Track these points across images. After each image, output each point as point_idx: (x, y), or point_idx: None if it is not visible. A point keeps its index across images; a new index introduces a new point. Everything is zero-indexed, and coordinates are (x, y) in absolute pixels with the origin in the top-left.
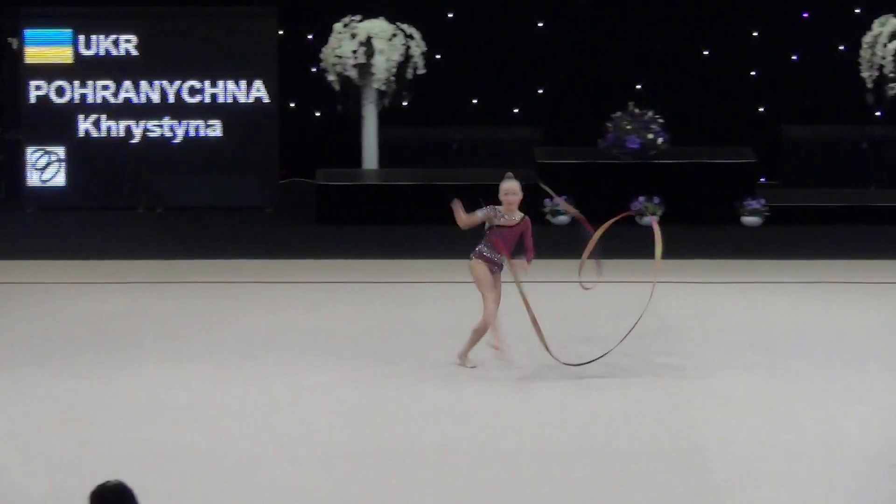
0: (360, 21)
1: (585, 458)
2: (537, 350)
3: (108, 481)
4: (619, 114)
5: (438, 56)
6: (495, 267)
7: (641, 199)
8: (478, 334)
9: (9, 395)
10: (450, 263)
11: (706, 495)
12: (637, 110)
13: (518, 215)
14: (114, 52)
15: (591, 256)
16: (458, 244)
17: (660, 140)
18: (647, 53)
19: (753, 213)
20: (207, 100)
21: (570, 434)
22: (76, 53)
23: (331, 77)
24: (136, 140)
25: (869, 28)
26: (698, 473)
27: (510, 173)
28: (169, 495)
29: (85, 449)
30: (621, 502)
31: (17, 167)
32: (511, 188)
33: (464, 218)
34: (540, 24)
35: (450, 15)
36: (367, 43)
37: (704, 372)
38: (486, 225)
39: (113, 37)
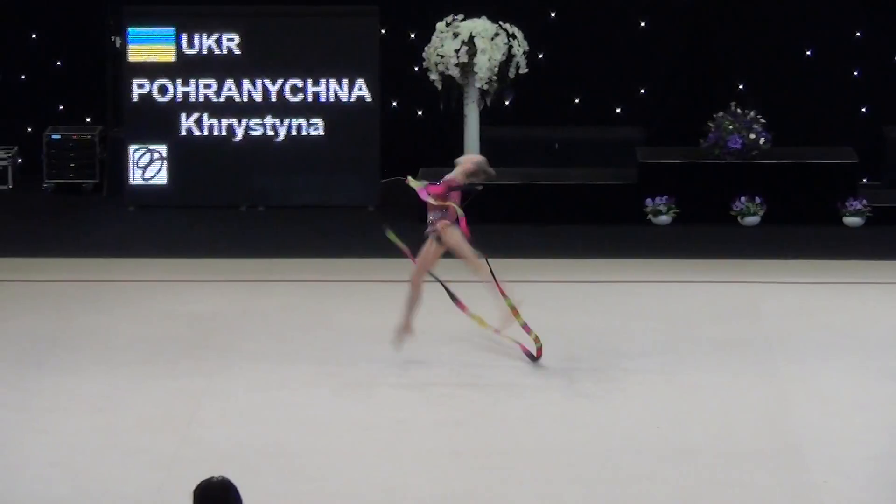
0: (463, 20)
1: (682, 458)
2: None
3: (212, 477)
4: (721, 114)
5: (541, 55)
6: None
7: (743, 199)
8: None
9: (111, 394)
10: (552, 263)
11: (803, 496)
12: (739, 110)
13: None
14: (216, 51)
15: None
16: (558, 244)
17: (762, 140)
18: (749, 53)
19: (855, 213)
20: (310, 98)
21: (667, 434)
22: (179, 52)
23: (433, 76)
24: (238, 138)
25: None
26: (795, 474)
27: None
28: (269, 493)
29: (186, 447)
30: (717, 502)
31: (120, 165)
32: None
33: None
34: (643, 24)
35: (552, 14)
36: (470, 42)
37: (805, 372)
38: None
39: (216, 35)
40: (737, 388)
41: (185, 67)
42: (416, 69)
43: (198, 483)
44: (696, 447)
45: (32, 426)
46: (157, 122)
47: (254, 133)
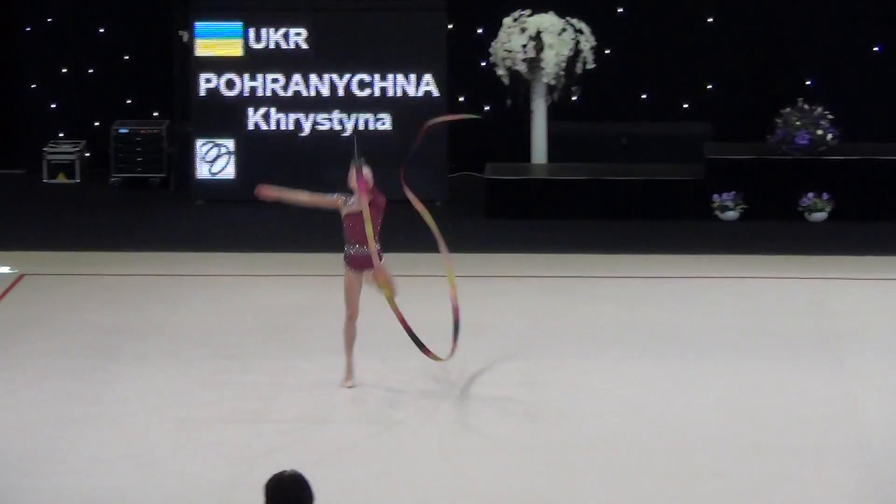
0: (530, 16)
1: (754, 454)
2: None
3: (284, 471)
4: (788, 109)
5: (608, 51)
6: (361, 263)
7: (810, 195)
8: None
9: (182, 388)
10: (619, 258)
11: (874, 492)
12: (807, 106)
13: (372, 196)
14: (284, 46)
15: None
16: (625, 239)
17: (829, 136)
18: (817, 49)
19: None
20: (377, 93)
21: (738, 429)
22: (246, 46)
23: (500, 71)
24: (305, 133)
25: None
26: (866, 470)
27: (361, 158)
28: (339, 488)
29: (257, 441)
30: (787, 498)
31: (187, 160)
32: (368, 174)
33: (305, 197)
34: (710, 20)
35: (619, 10)
36: (537, 37)
37: (875, 368)
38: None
39: (283, 30)
40: (807, 384)
41: (253, 62)
42: (483, 64)
43: (270, 477)
44: (767, 443)
45: (105, 420)
46: (224, 116)
47: (321, 128)
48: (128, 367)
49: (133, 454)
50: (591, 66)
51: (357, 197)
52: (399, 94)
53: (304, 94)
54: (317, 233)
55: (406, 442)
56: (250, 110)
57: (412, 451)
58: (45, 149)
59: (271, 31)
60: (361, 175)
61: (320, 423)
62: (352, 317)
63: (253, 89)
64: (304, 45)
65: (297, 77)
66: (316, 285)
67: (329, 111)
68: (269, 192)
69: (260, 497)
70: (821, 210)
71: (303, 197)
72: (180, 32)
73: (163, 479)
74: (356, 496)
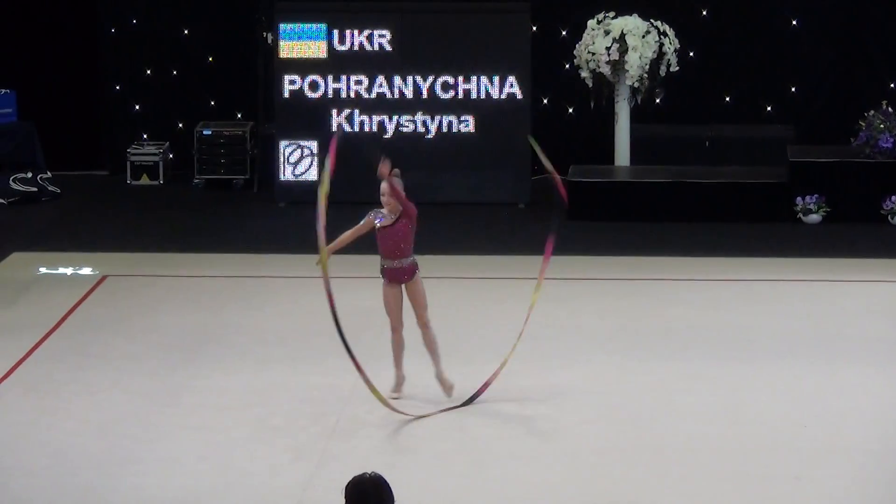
0: (614, 18)
1: (832, 457)
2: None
3: (364, 473)
4: (872, 112)
5: (692, 53)
6: (401, 275)
7: (894, 198)
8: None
9: (261, 389)
10: (703, 261)
11: None
12: (890, 109)
13: (398, 210)
14: (368, 48)
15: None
16: (708, 242)
17: None
18: None
19: None
20: (461, 95)
21: (816, 432)
22: (330, 48)
23: (584, 73)
24: (388, 135)
25: None
26: None
27: (396, 170)
28: (418, 489)
29: (336, 442)
30: (864, 500)
31: (271, 161)
32: (383, 188)
33: (347, 235)
34: (794, 22)
35: (704, 12)
36: (621, 40)
37: None
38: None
39: (367, 32)
40: (888, 387)
41: (337, 64)
42: (567, 66)
43: (350, 479)
44: (846, 446)
45: (183, 422)
46: (307, 118)
47: (404, 129)
48: (207, 368)
49: (210, 456)
50: (674, 68)
51: (387, 212)
52: (483, 96)
53: (388, 95)
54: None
55: (485, 444)
56: (334, 112)
57: (492, 453)
58: (128, 150)
59: (355, 32)
60: (392, 186)
61: (398, 425)
62: (395, 329)
63: (337, 91)
64: (388, 47)
65: (380, 79)
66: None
67: (412, 113)
68: (324, 254)
69: (339, 499)
70: None
71: (347, 237)
72: (265, 34)
73: (240, 479)
74: (436, 498)
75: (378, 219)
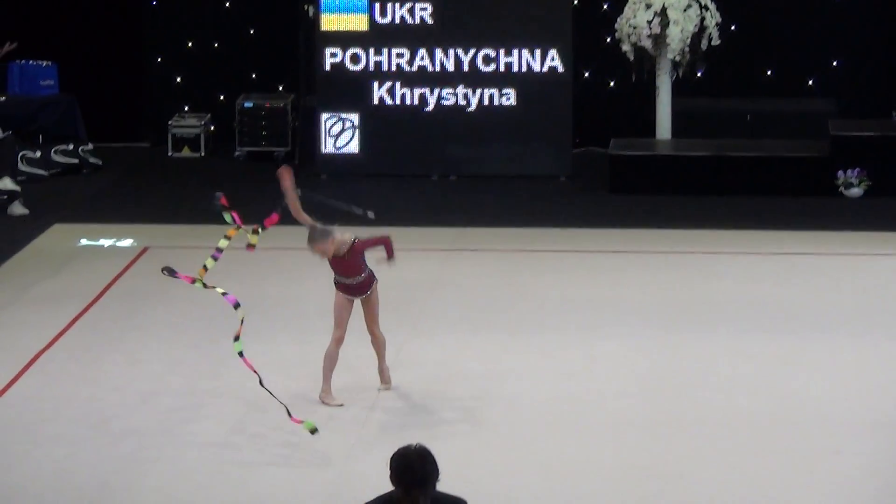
0: None
1: (873, 431)
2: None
3: (409, 445)
4: None
5: (733, 27)
6: (355, 290)
7: None
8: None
9: (302, 360)
10: (743, 235)
11: None
12: None
13: (346, 246)
14: (409, 20)
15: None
16: (749, 215)
17: None
18: None
19: None
20: (502, 68)
21: (857, 406)
22: (371, 21)
23: (625, 47)
24: (430, 108)
25: None
26: None
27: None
28: (458, 462)
29: (380, 413)
30: None
31: (312, 133)
32: (318, 250)
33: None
34: None
35: None
36: (663, 13)
37: None
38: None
39: (408, 5)
40: None
41: (378, 36)
42: (608, 40)
43: (395, 451)
44: (888, 420)
45: (225, 392)
46: (349, 90)
47: (446, 102)
48: (247, 340)
49: (250, 427)
50: (716, 41)
51: (339, 239)
52: (524, 69)
53: (429, 68)
54: (440, 208)
55: (526, 417)
56: (375, 85)
57: (532, 426)
58: (170, 122)
59: (397, 5)
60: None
61: (441, 398)
62: (338, 340)
63: (378, 64)
64: (430, 20)
65: (422, 52)
66: (438, 260)
67: (454, 86)
68: (287, 179)
69: (383, 470)
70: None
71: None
72: (306, 7)
73: (280, 452)
74: (480, 470)
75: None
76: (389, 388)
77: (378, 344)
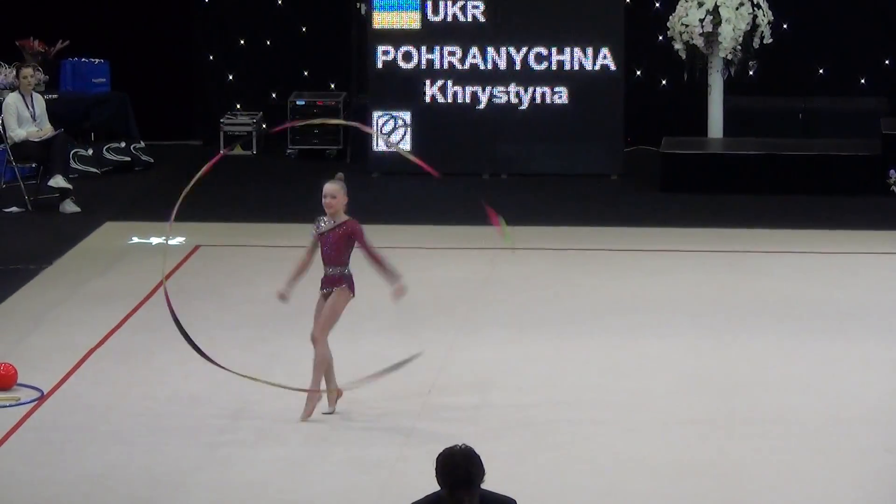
0: None
1: None
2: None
3: (455, 445)
4: None
5: (785, 25)
6: (323, 282)
7: None
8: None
9: (355, 359)
10: (795, 234)
11: None
12: None
13: (341, 219)
14: (461, 18)
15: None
16: (800, 214)
17: None
18: None
19: None
20: (554, 67)
21: None
22: (424, 19)
23: (677, 46)
24: (481, 106)
25: None
26: None
27: (339, 174)
28: (507, 462)
29: (426, 415)
30: None
31: (364, 132)
32: (328, 190)
33: (303, 261)
34: None
35: None
36: (715, 12)
37: None
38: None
39: (461, 3)
40: None
41: (430, 34)
42: (660, 38)
43: (441, 451)
44: None
45: (275, 392)
46: (401, 88)
47: (497, 101)
48: (299, 339)
49: (302, 427)
50: (768, 40)
51: (328, 217)
52: (576, 67)
53: (481, 66)
54: (493, 206)
55: (576, 416)
56: (427, 83)
57: (581, 424)
58: (221, 120)
59: (449, 3)
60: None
61: (489, 397)
62: (313, 339)
63: (430, 62)
64: (482, 18)
65: (474, 50)
66: (488, 258)
67: (506, 84)
68: (285, 293)
69: (431, 470)
70: None
71: (301, 261)
72: (358, 4)
73: (331, 451)
74: (530, 470)
75: (320, 222)
76: (331, 413)
77: (321, 359)
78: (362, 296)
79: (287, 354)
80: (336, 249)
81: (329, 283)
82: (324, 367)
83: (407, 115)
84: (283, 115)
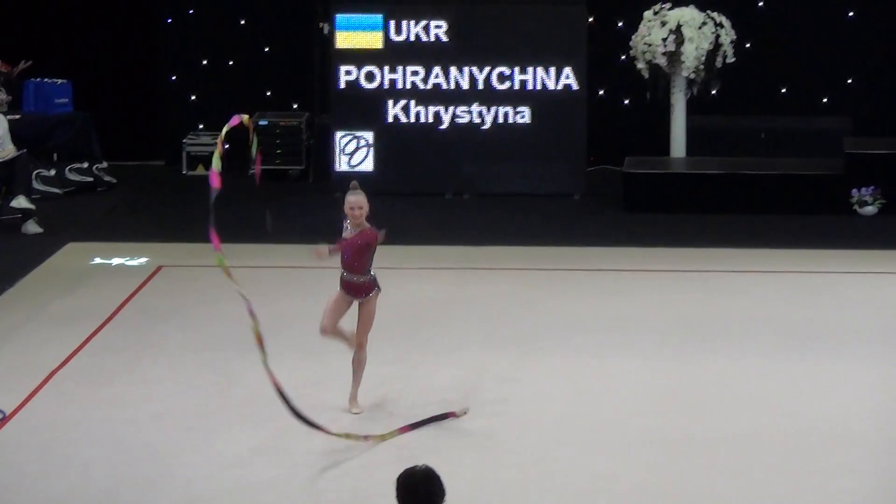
0: (671, 9)
1: (890, 450)
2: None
3: (416, 466)
4: None
5: (748, 44)
6: (355, 290)
7: None
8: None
9: (317, 379)
10: (757, 253)
11: None
12: None
13: (363, 227)
14: (424, 38)
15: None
16: (763, 233)
17: None
18: None
19: None
20: (517, 86)
21: (872, 425)
22: (386, 39)
23: (640, 65)
24: (444, 126)
25: None
26: None
27: (354, 183)
28: (470, 480)
29: (389, 431)
30: None
31: (326, 152)
32: (356, 202)
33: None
34: (850, 13)
35: (760, 3)
36: (677, 31)
37: None
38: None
39: (423, 22)
40: None
41: (393, 54)
42: (623, 58)
43: (402, 471)
44: None
45: (238, 413)
46: (363, 108)
47: (460, 120)
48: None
49: (265, 447)
50: (731, 59)
51: (351, 225)
52: (539, 87)
53: (444, 86)
54: (455, 225)
55: (538, 436)
56: (390, 103)
57: (544, 445)
58: (184, 140)
59: (411, 23)
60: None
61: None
62: (322, 329)
63: (393, 81)
64: (445, 38)
65: (436, 69)
66: (452, 278)
67: (468, 104)
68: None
69: (392, 491)
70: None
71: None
72: (321, 24)
73: (294, 472)
74: (490, 492)
75: (345, 231)
76: (361, 412)
77: (359, 361)
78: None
79: (250, 375)
80: (359, 259)
81: (357, 292)
82: (363, 368)
83: (370, 135)
84: (245, 135)
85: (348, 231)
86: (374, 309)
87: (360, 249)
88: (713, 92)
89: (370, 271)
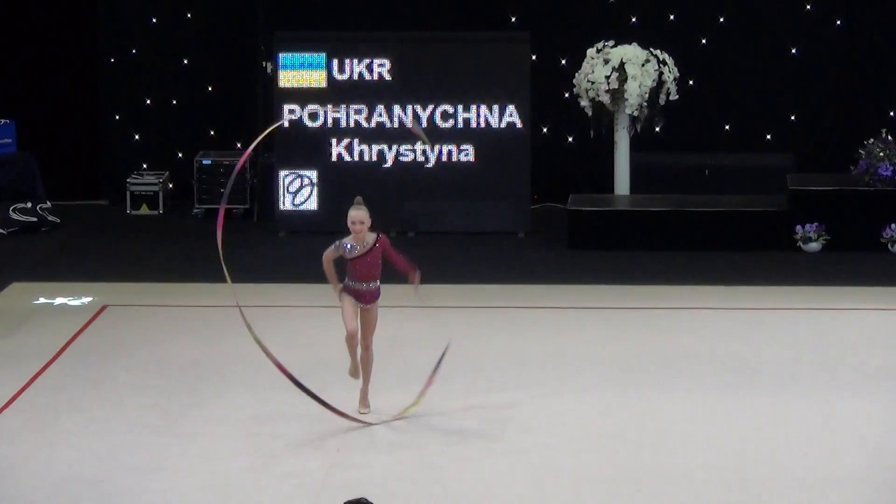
0: (614, 46)
1: (829, 486)
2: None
3: (359, 499)
4: (871, 141)
5: (691, 81)
6: (363, 297)
7: (893, 226)
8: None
9: (259, 418)
10: (702, 290)
11: None
12: (890, 137)
13: (370, 239)
14: (367, 77)
15: None
16: (708, 270)
17: None
18: None
19: None
20: (460, 125)
21: (814, 461)
22: (330, 78)
23: (583, 102)
24: (388, 164)
25: None
26: None
27: (359, 198)
28: None
29: (335, 472)
30: None
31: (270, 190)
32: (358, 217)
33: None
34: (794, 51)
35: (703, 41)
36: (621, 69)
37: None
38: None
39: (366, 61)
40: (888, 416)
41: (336, 93)
42: (566, 95)
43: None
44: (848, 475)
45: (184, 451)
46: (307, 147)
47: (404, 159)
48: (207, 398)
49: (212, 486)
50: (674, 96)
51: (355, 241)
52: (482, 125)
53: (388, 125)
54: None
55: (483, 474)
56: (333, 141)
57: (488, 482)
58: (128, 180)
59: (355, 61)
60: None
61: (399, 454)
62: (352, 333)
63: (336, 120)
64: (388, 77)
65: (380, 108)
66: (396, 317)
67: (412, 142)
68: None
69: None
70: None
71: (332, 271)
72: (264, 64)
73: (249, 497)
74: None
75: (346, 246)
76: (369, 413)
77: (367, 361)
78: (279, 353)
79: (196, 413)
80: (375, 266)
81: (368, 298)
82: (371, 367)
83: (313, 174)
84: (189, 174)
85: (352, 248)
86: (377, 313)
87: (376, 258)
88: (657, 129)
89: (379, 280)
